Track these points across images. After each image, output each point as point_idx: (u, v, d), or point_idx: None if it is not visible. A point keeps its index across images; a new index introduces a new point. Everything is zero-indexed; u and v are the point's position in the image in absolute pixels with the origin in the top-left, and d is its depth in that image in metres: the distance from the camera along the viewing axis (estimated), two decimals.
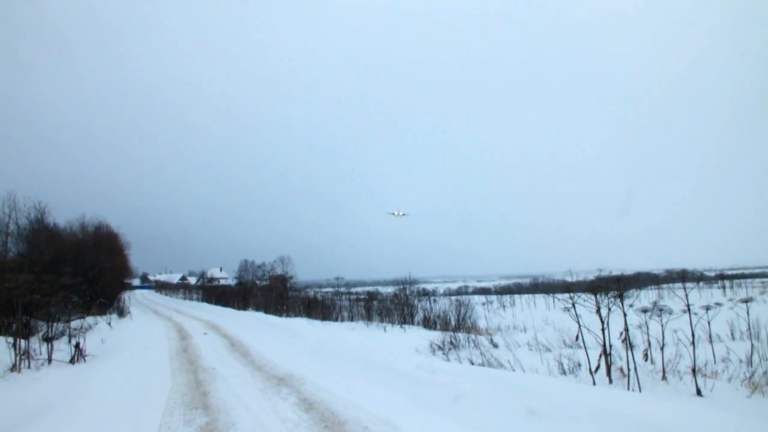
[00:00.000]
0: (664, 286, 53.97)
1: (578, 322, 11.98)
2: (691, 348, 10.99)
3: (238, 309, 45.33)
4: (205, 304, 57.49)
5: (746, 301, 14.97)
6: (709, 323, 13.79)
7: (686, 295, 12.45)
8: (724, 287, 51.05)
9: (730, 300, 19.22)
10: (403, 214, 62.54)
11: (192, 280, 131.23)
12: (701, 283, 47.01)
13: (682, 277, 18.94)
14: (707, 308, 13.40)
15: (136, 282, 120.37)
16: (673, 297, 37.75)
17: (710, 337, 14.16)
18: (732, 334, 17.47)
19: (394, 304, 33.29)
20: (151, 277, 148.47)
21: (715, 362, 12.47)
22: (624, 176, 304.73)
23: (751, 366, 11.76)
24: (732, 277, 62.72)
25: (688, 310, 11.70)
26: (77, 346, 14.33)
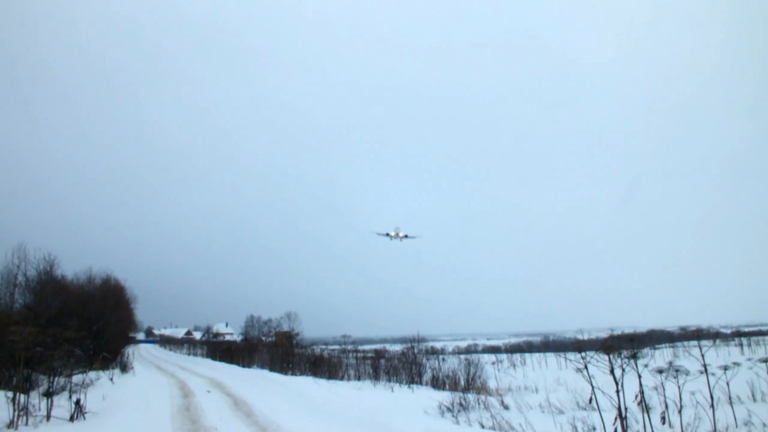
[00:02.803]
0: (679, 344, 52.64)
1: (591, 384, 11.62)
2: (711, 411, 10.57)
3: (244, 366, 44.52)
4: (210, 361, 56.51)
5: (766, 360, 14.50)
6: (728, 384, 13.31)
7: (702, 355, 12.10)
8: (741, 345, 49.68)
9: (749, 359, 18.61)
10: (405, 236, 51.18)
11: (197, 335, 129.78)
12: (717, 341, 45.85)
13: (698, 335, 18.52)
14: (725, 368, 12.97)
15: (141, 336, 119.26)
16: (688, 356, 36.69)
17: (730, 399, 13.62)
18: (753, 396, 16.81)
19: (401, 363, 32.57)
20: (155, 332, 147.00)
21: (736, 425, 11.95)
22: (635, 229, 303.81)
23: None
24: (749, 334, 61.19)
25: (705, 370, 11.35)
26: (78, 402, 14.04)
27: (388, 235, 50.45)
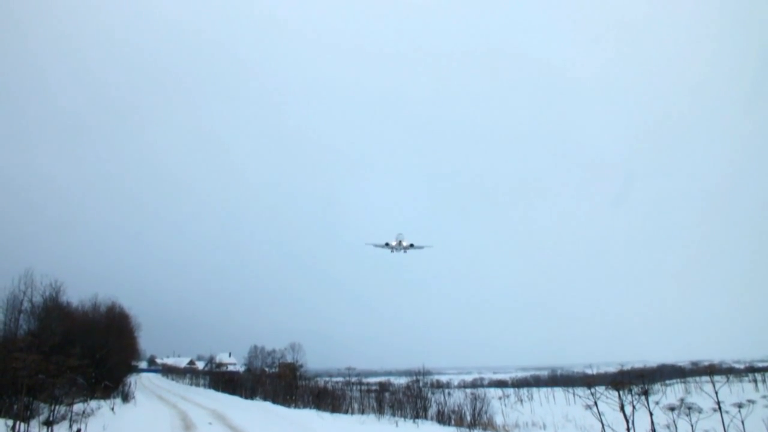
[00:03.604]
0: (691, 379, 51.50)
1: (601, 421, 11.35)
2: None
3: (246, 397, 43.89)
4: (212, 391, 55.78)
5: None
6: (743, 423, 12.95)
7: (716, 392, 11.82)
8: (755, 381, 48.55)
9: (764, 396, 18.15)
10: (411, 246, 42.73)
11: (200, 365, 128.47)
12: (731, 377, 44.81)
13: (710, 371, 18.12)
14: (740, 406, 12.64)
15: (143, 365, 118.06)
16: (701, 393, 35.85)
17: None
18: None
19: (406, 397, 31.98)
20: (158, 360, 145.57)
21: None
22: (645, 261, 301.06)
23: None
24: (764, 370, 59.71)
25: (719, 408, 11.06)
26: None
27: (387, 245, 43.13)
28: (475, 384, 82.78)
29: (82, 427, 14.38)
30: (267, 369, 65.73)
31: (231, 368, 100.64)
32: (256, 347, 79.76)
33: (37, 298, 29.08)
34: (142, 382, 65.32)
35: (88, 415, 19.23)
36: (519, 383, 77.93)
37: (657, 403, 11.74)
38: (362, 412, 31.98)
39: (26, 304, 28.00)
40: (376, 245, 43.38)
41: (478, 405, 28.38)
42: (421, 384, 34.33)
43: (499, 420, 27.75)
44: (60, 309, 30.95)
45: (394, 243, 42.96)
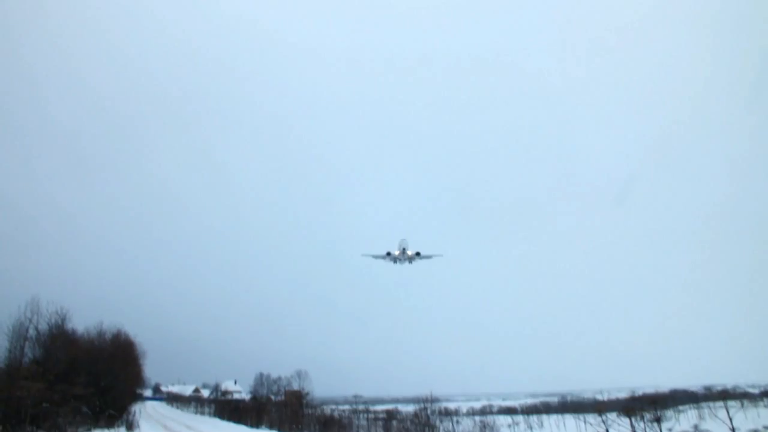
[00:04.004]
0: (704, 404, 50.43)
1: None
2: None
3: (252, 426, 43.30)
4: (218, 420, 55.07)
5: None
6: None
7: (730, 418, 11.57)
8: None
9: None
10: (417, 255, 36.17)
11: (205, 393, 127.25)
12: (745, 402, 43.82)
13: (724, 396, 17.75)
14: None
15: (148, 392, 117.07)
16: (715, 419, 35.04)
17: None
18: None
19: (414, 425, 31.53)
20: (163, 388, 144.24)
21: None
22: (656, 284, 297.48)
23: None
24: None
25: None
26: None
27: (389, 255, 37.64)
28: (483, 411, 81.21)
29: None
30: (273, 397, 65.05)
31: (236, 396, 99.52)
32: (261, 375, 79.06)
33: (43, 326, 29.07)
34: (146, 411, 64.58)
35: None
36: (528, 410, 76.45)
37: (670, 430, 11.53)
38: None
39: (32, 332, 27.96)
40: (375, 256, 38.38)
41: None
42: (428, 411, 33.77)
43: None
44: (65, 336, 30.86)
45: (397, 252, 37.83)
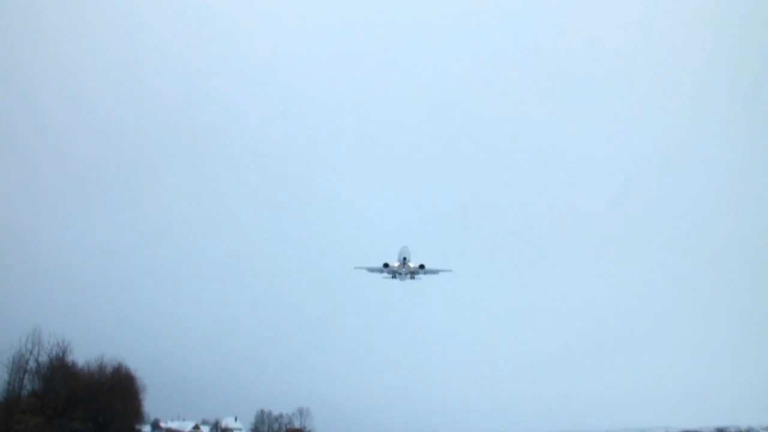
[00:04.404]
0: None
1: None
2: None
3: None
4: None
5: None
6: None
7: None
8: None
9: None
10: (421, 268, 28.84)
11: (205, 429, 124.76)
12: None
13: None
14: None
15: (147, 429, 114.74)
16: None
17: None
18: None
19: None
20: (162, 424, 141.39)
21: None
22: (664, 321, 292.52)
23: None
24: None
25: None
26: None
27: (387, 267, 28.93)
28: None
29: None
30: None
31: None
32: (263, 412, 77.70)
33: (44, 358, 28.79)
34: None
35: None
36: None
37: None
38: None
39: (32, 364, 27.66)
40: (371, 269, 31.03)
41: None
42: None
43: None
44: (66, 369, 30.51)
45: (396, 264, 30.44)
